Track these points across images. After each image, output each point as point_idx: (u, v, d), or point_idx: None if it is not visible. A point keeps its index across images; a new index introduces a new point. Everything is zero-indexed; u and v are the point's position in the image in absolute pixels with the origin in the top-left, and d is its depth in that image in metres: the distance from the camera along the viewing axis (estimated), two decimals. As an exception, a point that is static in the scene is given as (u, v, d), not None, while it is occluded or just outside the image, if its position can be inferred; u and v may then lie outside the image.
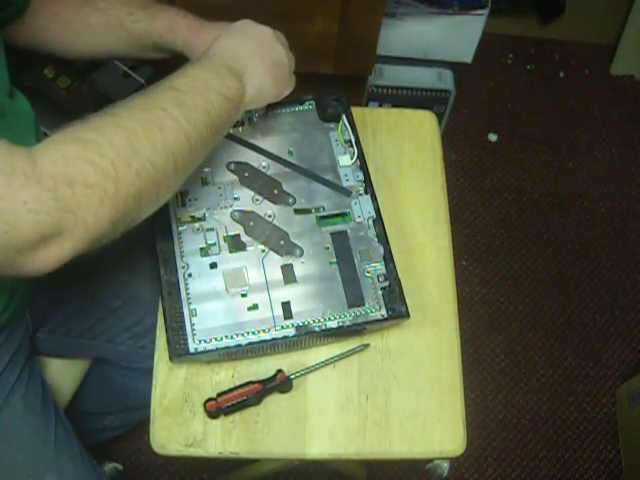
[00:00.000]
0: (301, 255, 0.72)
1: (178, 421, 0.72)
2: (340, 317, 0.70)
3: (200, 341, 0.68)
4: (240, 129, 0.79)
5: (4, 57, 0.70)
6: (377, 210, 0.75)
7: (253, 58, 0.67)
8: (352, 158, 0.78)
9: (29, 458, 0.85)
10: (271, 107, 0.81)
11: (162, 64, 1.21)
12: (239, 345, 0.68)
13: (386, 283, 0.72)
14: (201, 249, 0.72)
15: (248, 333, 0.69)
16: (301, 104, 0.82)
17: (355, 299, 0.71)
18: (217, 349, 0.68)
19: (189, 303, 0.69)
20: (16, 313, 0.84)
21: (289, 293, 0.71)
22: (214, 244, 0.72)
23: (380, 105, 1.60)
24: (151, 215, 0.73)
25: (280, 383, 0.72)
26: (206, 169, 0.76)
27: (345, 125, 0.80)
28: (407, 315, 0.71)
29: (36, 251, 0.49)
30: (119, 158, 0.51)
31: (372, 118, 0.90)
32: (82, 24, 0.77)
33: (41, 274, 0.51)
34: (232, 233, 0.73)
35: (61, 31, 0.78)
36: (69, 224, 0.48)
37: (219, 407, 0.71)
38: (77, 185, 0.48)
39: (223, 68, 0.63)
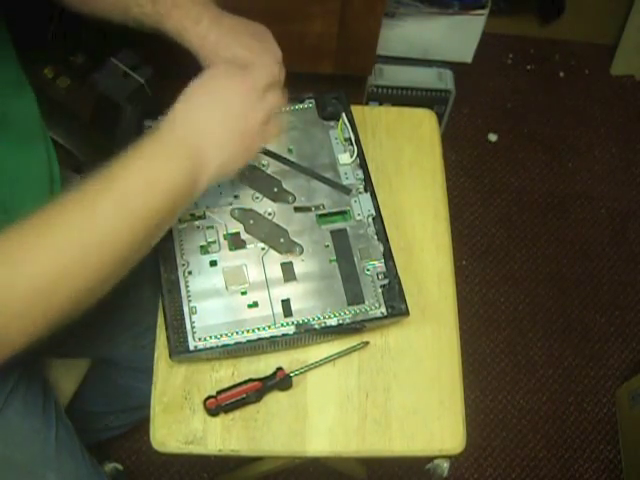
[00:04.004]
0: (301, 253, 0.73)
1: (178, 419, 0.72)
2: (340, 315, 0.70)
3: (200, 339, 0.68)
4: (240, 127, 0.80)
5: (12, 49, 0.70)
6: (377, 208, 0.75)
7: (219, 134, 0.61)
8: (352, 156, 0.78)
9: (30, 457, 0.85)
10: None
11: (162, 64, 1.21)
12: (239, 343, 0.68)
13: (386, 281, 0.72)
14: (201, 247, 0.72)
15: (248, 331, 0.69)
16: (301, 102, 0.82)
17: (355, 297, 0.71)
18: (217, 347, 0.68)
19: (189, 301, 0.70)
20: None
21: (289, 291, 0.71)
22: (214, 242, 0.72)
23: (380, 105, 1.60)
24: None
25: (280, 381, 0.72)
26: (206, 167, 0.76)
27: (345, 123, 0.80)
28: (407, 313, 0.71)
29: None
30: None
31: (372, 117, 0.90)
32: None
33: None
34: (232, 231, 0.73)
35: None
36: None
37: (219, 405, 0.71)
38: None
39: (178, 153, 0.58)
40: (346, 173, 0.77)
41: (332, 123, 0.80)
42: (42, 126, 0.78)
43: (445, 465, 0.97)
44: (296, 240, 0.73)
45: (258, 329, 0.69)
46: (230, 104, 0.62)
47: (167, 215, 0.58)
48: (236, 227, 0.73)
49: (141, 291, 0.94)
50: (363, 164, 0.78)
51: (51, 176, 0.78)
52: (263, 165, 0.77)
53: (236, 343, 0.68)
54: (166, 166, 0.57)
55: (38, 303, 0.51)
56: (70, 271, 0.52)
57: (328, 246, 0.73)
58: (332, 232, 0.74)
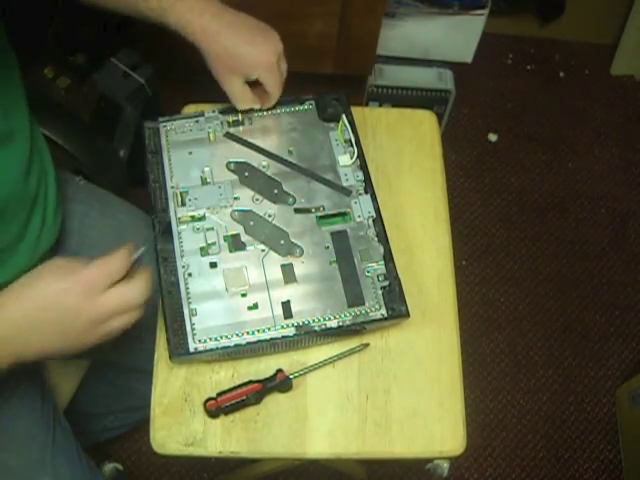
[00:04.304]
0: (301, 255, 0.73)
1: (178, 420, 0.72)
2: (340, 317, 0.70)
3: (200, 341, 0.68)
4: (240, 129, 0.79)
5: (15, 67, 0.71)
6: (377, 210, 0.75)
7: (36, 338, 0.59)
8: (352, 158, 0.78)
9: (25, 461, 0.84)
10: (271, 107, 0.81)
11: (162, 64, 1.21)
12: (239, 345, 0.68)
13: (386, 282, 0.72)
14: (201, 249, 0.72)
15: (248, 333, 0.69)
16: (301, 104, 0.82)
17: (355, 299, 0.71)
18: (217, 349, 0.68)
19: (189, 303, 0.69)
20: None
21: (289, 293, 0.71)
22: (214, 244, 0.72)
23: (380, 105, 1.60)
24: (151, 214, 0.73)
25: (280, 382, 0.72)
26: (206, 169, 0.76)
27: (345, 125, 0.80)
28: (407, 315, 0.71)
29: None
30: None
31: (372, 118, 0.90)
32: None
33: None
34: (232, 233, 0.73)
35: None
36: None
37: (219, 406, 0.71)
38: None
39: None
40: (346, 174, 0.77)
41: (332, 124, 0.80)
42: (42, 141, 0.79)
43: (445, 465, 0.97)
44: (296, 242, 0.73)
45: (258, 331, 0.69)
46: (53, 312, 0.59)
47: None
48: (236, 229, 0.73)
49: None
50: (363, 165, 0.78)
51: (45, 191, 0.79)
52: (263, 167, 0.77)
53: (236, 345, 0.68)
54: None
55: None
56: None
57: (328, 248, 0.73)
58: (332, 234, 0.74)
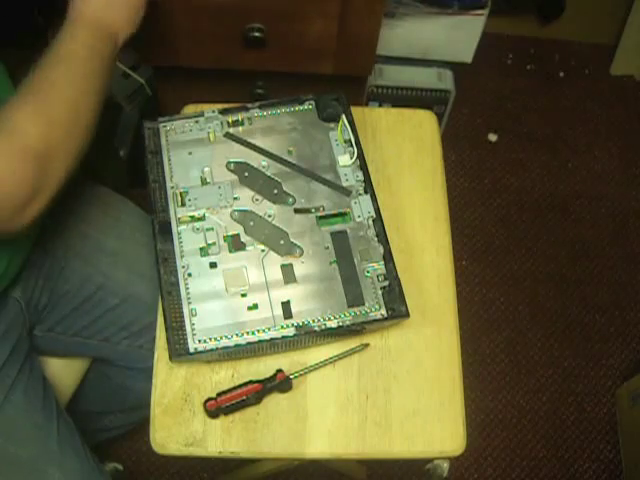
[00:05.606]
0: (301, 255, 0.73)
1: (178, 421, 0.72)
2: (340, 317, 0.70)
3: (200, 341, 0.68)
4: (240, 129, 0.79)
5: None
6: (377, 210, 0.75)
7: (121, 7, 0.76)
8: (352, 158, 0.78)
9: (32, 453, 0.85)
10: (270, 107, 0.81)
11: (162, 64, 1.21)
12: (239, 345, 0.68)
13: (386, 283, 0.72)
14: (201, 249, 0.72)
15: (248, 333, 0.69)
16: (301, 104, 0.82)
17: (355, 299, 0.71)
18: (217, 349, 0.68)
19: (189, 303, 0.69)
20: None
21: (289, 293, 0.71)
22: (214, 244, 0.72)
23: (380, 105, 1.60)
24: (151, 214, 0.73)
25: (280, 383, 0.72)
26: (206, 169, 0.76)
27: (345, 125, 0.80)
28: (407, 315, 0.71)
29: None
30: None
31: (372, 118, 0.90)
32: None
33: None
34: (232, 233, 0.73)
35: None
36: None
37: (219, 407, 0.71)
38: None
39: (97, 33, 0.73)
40: (346, 174, 0.77)
41: (332, 124, 0.80)
42: None
43: (445, 465, 0.97)
44: (296, 242, 0.73)
45: (258, 331, 0.69)
46: None
47: (106, 68, 0.74)
48: (236, 229, 0.73)
49: (137, 291, 0.94)
50: (363, 165, 0.78)
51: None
52: (263, 167, 0.77)
53: (236, 345, 0.68)
54: (93, 44, 0.73)
55: (70, 130, 0.69)
56: (75, 107, 0.70)
57: (328, 248, 0.73)
58: (332, 234, 0.74)
